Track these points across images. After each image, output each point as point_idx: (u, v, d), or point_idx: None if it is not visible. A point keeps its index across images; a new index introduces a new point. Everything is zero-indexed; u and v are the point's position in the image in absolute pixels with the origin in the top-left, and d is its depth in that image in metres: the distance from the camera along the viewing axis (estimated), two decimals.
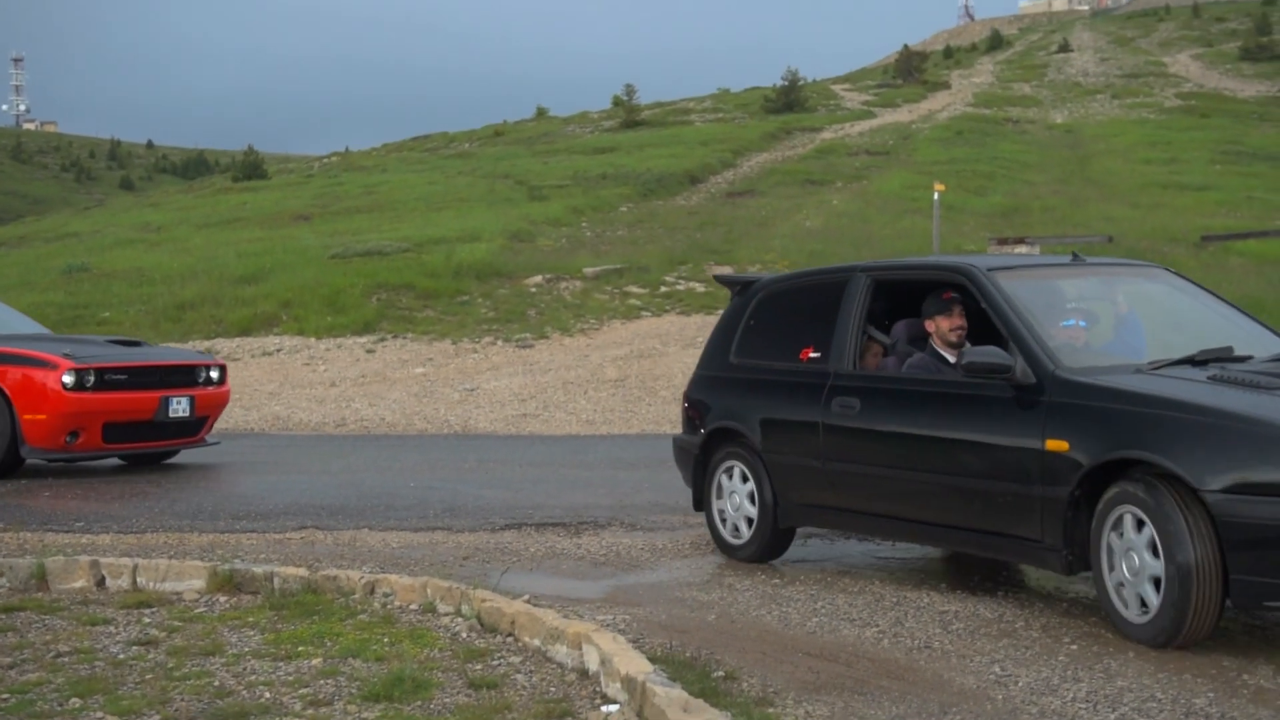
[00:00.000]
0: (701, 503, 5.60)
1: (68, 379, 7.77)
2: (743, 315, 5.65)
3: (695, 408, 5.72)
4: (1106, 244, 18.29)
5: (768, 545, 5.29)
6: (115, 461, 8.69)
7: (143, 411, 8.13)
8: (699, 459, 5.59)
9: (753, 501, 5.29)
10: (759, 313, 5.59)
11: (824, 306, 5.20)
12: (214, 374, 8.68)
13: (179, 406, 8.28)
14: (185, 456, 8.92)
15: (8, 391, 7.80)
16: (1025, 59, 59.17)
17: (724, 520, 5.45)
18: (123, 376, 8.05)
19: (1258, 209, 23.56)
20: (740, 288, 5.80)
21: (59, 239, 29.30)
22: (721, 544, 5.48)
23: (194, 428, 8.53)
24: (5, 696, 3.62)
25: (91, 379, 7.86)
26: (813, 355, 5.17)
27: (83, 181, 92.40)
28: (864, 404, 4.87)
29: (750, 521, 5.30)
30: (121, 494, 7.27)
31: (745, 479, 5.35)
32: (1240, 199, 24.75)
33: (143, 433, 8.24)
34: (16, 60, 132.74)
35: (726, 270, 18.51)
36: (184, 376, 8.46)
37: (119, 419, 8.02)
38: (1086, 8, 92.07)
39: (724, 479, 5.47)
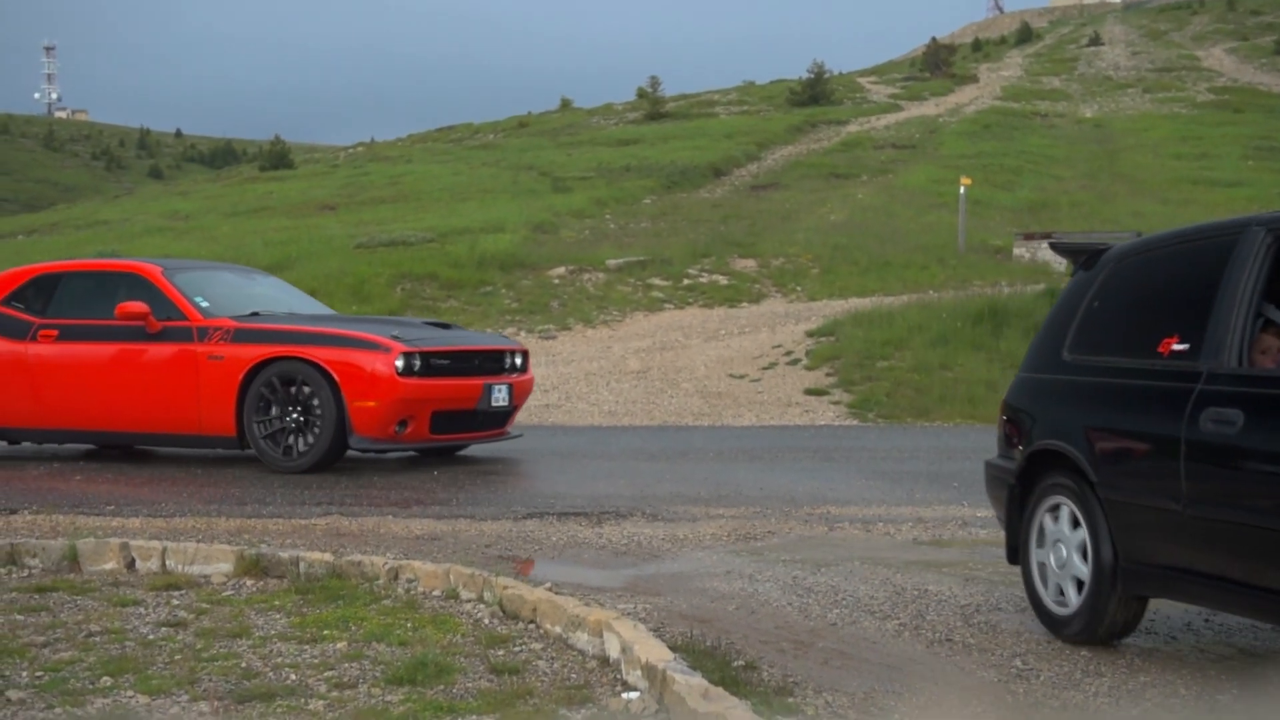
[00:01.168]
0: (1017, 552, 4.23)
1: (400, 363, 7.09)
2: (1085, 295, 4.22)
3: (1013, 420, 4.34)
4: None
5: (1104, 619, 3.83)
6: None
7: (467, 400, 7.45)
8: (1015, 491, 4.22)
9: (1084, 556, 3.88)
10: (1108, 291, 4.14)
11: (1199, 278, 3.74)
12: (518, 359, 7.99)
13: (500, 395, 7.60)
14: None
15: (336, 376, 7.10)
16: (1055, 52, 58.64)
17: (1044, 579, 4.08)
18: (446, 361, 7.39)
19: None
20: (1085, 258, 4.35)
21: (89, 226, 29.60)
22: (1040, 611, 4.10)
23: (503, 419, 7.85)
24: (39, 674, 3.69)
25: (418, 363, 7.18)
26: (1177, 347, 3.70)
27: (113, 170, 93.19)
28: (1249, 418, 3.35)
29: (1080, 584, 3.90)
30: (151, 479, 7.36)
31: (1076, 523, 3.94)
32: (1272, 195, 24.48)
33: (464, 423, 7.57)
34: (48, 49, 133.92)
35: (750, 263, 18.50)
36: (495, 362, 7.78)
37: (446, 408, 7.37)
38: (1118, 0, 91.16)
39: (1047, 521, 4.07)
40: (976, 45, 65.14)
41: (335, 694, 3.53)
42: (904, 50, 79.45)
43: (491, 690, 3.54)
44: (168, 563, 5.00)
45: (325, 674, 3.69)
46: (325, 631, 4.09)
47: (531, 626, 4.15)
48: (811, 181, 27.65)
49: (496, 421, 7.80)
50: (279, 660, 3.82)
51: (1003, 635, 4.07)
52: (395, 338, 7.20)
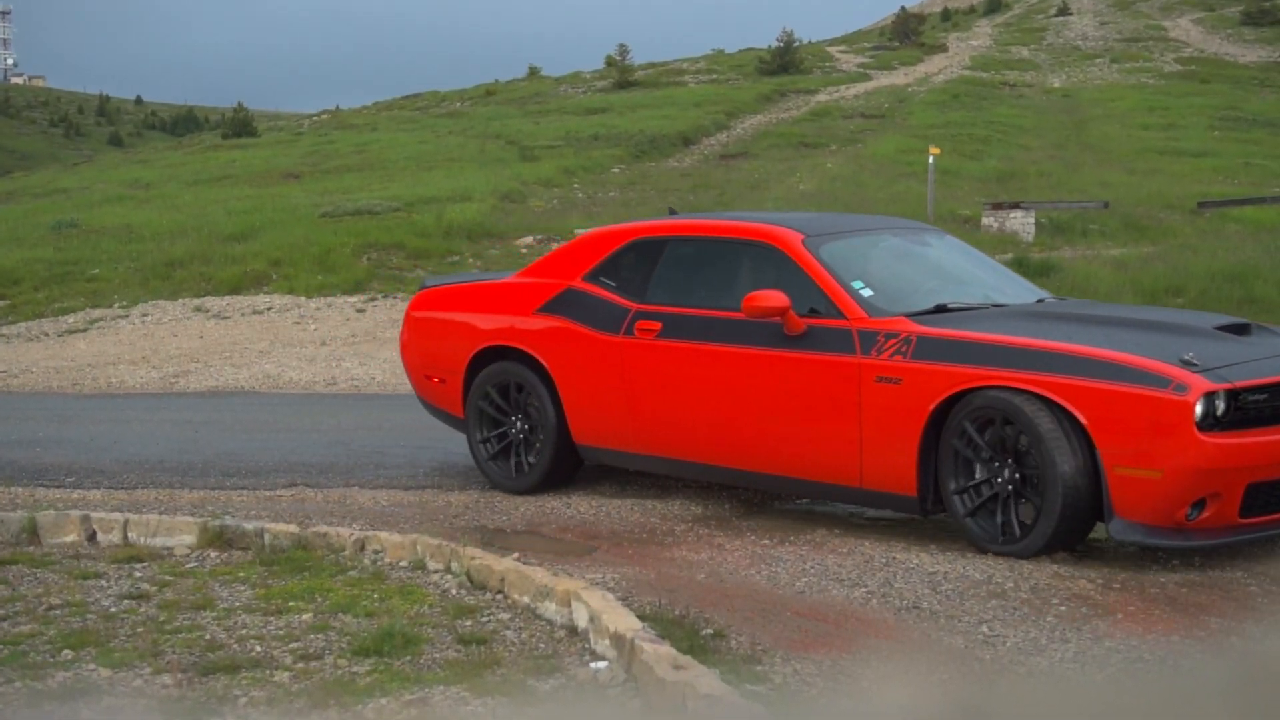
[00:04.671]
0: None
1: (1200, 409, 4.33)
2: None
3: None
4: (1102, 210, 18.26)
5: None
6: (101, 415, 8.64)
7: None
8: None
9: None
10: None
11: None
12: None
13: None
14: (173, 407, 8.86)
15: (1084, 423, 4.45)
16: (1024, 22, 58.75)
17: None
18: (1263, 397, 4.50)
19: (1255, 175, 23.53)
20: None
21: (47, 195, 29.09)
22: None
23: None
24: None
25: (1226, 406, 4.40)
26: None
27: (71, 137, 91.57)
28: None
29: None
30: (112, 450, 7.25)
31: None
32: (1238, 165, 24.71)
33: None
34: (4, 13, 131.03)
35: None
36: None
37: (1268, 476, 4.49)
38: None
39: None
40: (945, 15, 65.12)
41: (301, 665, 3.49)
42: (873, 19, 79.29)
43: (459, 661, 3.52)
44: (129, 535, 4.93)
45: (290, 645, 3.66)
46: (290, 603, 4.06)
47: (499, 597, 4.13)
48: (781, 151, 27.61)
49: None
50: (243, 632, 3.78)
51: (969, 602, 4.09)
52: (1187, 364, 4.44)
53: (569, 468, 5.92)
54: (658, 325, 5.54)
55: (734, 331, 5.29)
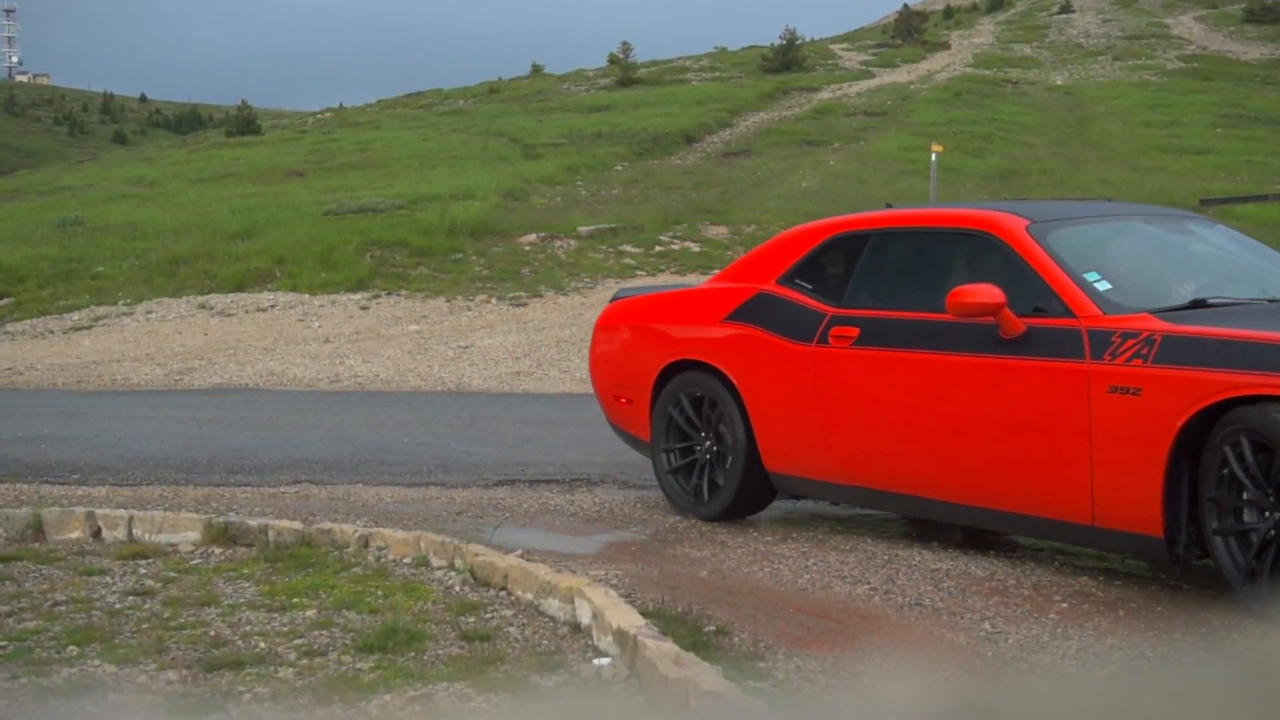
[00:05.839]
0: None
1: None
2: None
3: None
4: None
5: None
6: (106, 412, 8.68)
7: None
8: None
9: None
10: None
11: None
12: None
13: None
14: (177, 404, 8.89)
15: None
16: (1026, 19, 58.68)
17: None
18: None
19: (1257, 173, 23.50)
20: None
21: (52, 192, 29.15)
22: None
23: None
24: (4, 644, 3.65)
25: None
26: None
27: (76, 135, 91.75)
28: None
29: None
30: (117, 447, 7.27)
31: None
32: (1240, 163, 24.68)
33: None
34: (9, 11, 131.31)
35: (721, 230, 18.49)
36: None
37: None
38: None
39: None
40: (948, 12, 65.01)
41: (305, 662, 3.51)
42: (876, 17, 79.18)
43: (463, 657, 3.53)
44: (134, 531, 4.95)
45: (294, 642, 3.67)
46: (294, 599, 4.07)
47: (503, 594, 4.14)
48: (783, 149, 27.60)
49: None
50: (248, 629, 3.80)
51: (971, 599, 4.10)
52: None
53: (759, 498, 5.25)
54: (854, 331, 4.79)
55: (939, 336, 4.49)
